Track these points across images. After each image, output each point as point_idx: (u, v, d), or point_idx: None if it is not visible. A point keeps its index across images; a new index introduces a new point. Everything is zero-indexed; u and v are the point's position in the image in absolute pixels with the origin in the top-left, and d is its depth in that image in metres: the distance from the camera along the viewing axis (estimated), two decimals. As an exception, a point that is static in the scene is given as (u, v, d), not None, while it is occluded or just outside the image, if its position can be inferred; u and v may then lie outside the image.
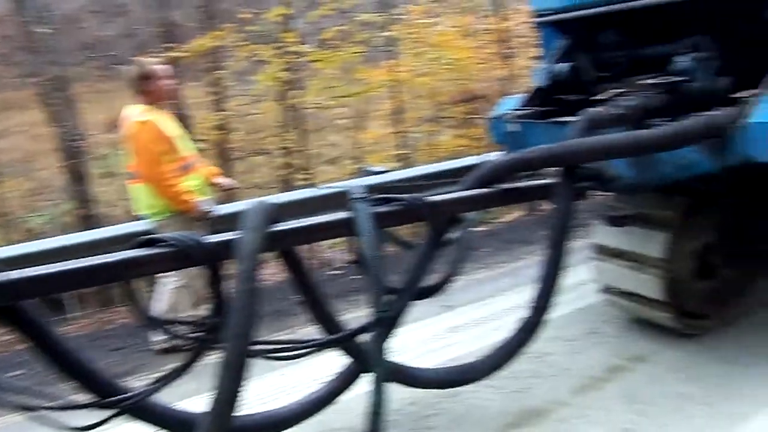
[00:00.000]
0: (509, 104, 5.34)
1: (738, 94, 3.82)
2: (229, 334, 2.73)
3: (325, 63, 15.85)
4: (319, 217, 3.42)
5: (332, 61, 15.81)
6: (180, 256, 2.77)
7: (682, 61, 4.28)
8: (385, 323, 3.25)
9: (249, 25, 16.14)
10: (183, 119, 15.40)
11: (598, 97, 4.32)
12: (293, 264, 3.54)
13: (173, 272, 4.99)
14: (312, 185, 16.35)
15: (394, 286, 3.63)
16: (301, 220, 3.35)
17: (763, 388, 4.11)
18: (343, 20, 18.71)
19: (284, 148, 16.18)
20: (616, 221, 4.43)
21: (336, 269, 8.07)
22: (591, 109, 3.96)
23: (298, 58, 15.48)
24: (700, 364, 4.52)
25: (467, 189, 3.80)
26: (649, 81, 4.28)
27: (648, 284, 4.64)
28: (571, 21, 4.97)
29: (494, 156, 4.85)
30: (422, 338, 5.48)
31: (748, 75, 3.96)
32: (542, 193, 4.08)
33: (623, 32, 4.86)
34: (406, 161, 19.72)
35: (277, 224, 3.15)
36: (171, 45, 13.41)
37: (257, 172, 22.66)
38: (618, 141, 3.58)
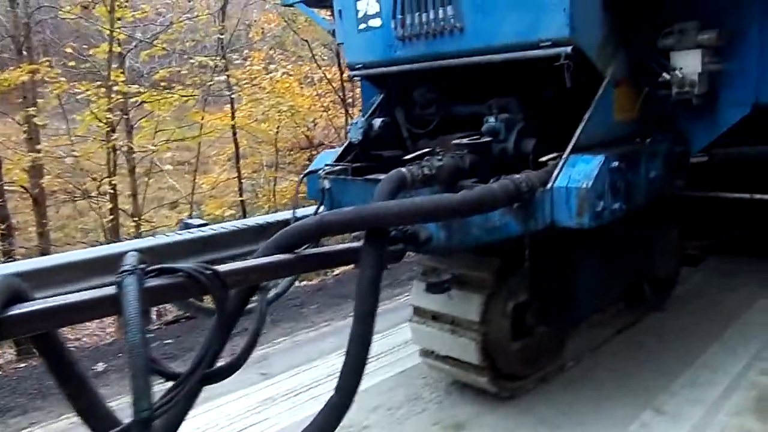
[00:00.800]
0: (325, 158, 5.01)
1: (544, 158, 3.73)
2: None
3: (156, 104, 14.84)
4: (78, 294, 2.80)
5: (165, 102, 14.83)
6: None
7: (491, 122, 4.18)
8: (148, 424, 2.67)
9: (73, 60, 14.82)
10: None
11: (410, 155, 4.10)
12: (48, 349, 2.87)
13: None
14: (145, 232, 15.14)
15: (176, 371, 3.05)
16: (55, 298, 2.72)
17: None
18: (178, 62, 17.83)
19: (110, 192, 14.85)
20: (433, 288, 4.19)
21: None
22: (400, 169, 3.70)
23: (127, 97, 14.39)
24: (517, 428, 4.37)
25: (264, 255, 3.34)
26: (461, 140, 4.13)
27: (465, 348, 4.43)
28: (385, 76, 4.77)
29: (303, 213, 4.48)
30: (233, 413, 4.90)
31: (555, 138, 3.93)
32: (349, 257, 3.73)
33: (437, 89, 4.73)
34: (248, 206, 18.99)
35: (19, 305, 2.49)
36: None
37: (84, 217, 20.69)
38: (424, 205, 3.33)
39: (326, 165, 4.77)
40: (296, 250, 3.42)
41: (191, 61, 15.44)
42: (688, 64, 3.97)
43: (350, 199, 4.51)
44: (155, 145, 15.46)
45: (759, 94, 4.03)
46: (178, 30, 15.55)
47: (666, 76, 4.03)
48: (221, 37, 16.55)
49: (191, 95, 14.65)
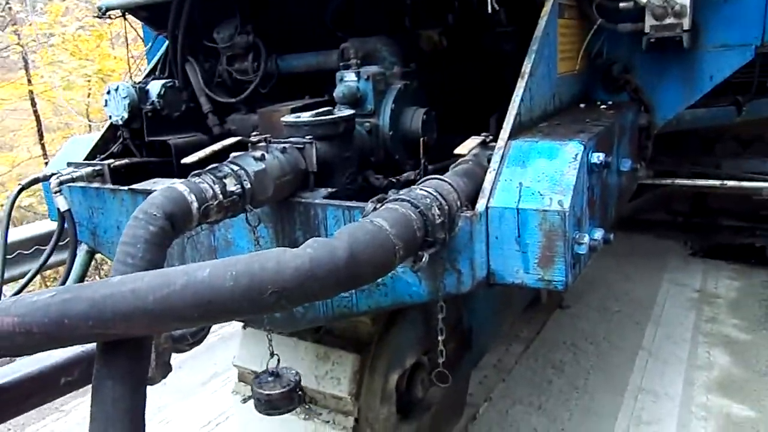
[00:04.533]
0: (75, 150, 2.76)
1: (460, 148, 1.83)
2: None
3: None
4: None
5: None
6: None
7: (349, 80, 2.21)
8: None
9: None
10: None
11: (208, 150, 2.00)
12: None
13: None
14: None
15: None
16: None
17: None
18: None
19: None
20: (265, 405, 2.16)
21: None
22: (172, 187, 1.63)
23: None
24: None
25: None
26: (297, 116, 2.11)
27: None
28: (161, 5, 2.59)
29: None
30: None
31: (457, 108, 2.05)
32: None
33: (253, 27, 2.65)
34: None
35: None
36: None
37: None
38: (181, 296, 1.31)
39: (66, 167, 2.53)
40: None
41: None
42: (675, -24, 2.22)
43: (113, 222, 2.37)
44: None
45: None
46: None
47: None
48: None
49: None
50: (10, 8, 12.66)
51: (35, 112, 14.15)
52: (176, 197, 1.59)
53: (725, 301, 4.66)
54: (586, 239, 1.67)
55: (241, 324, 2.65)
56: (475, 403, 3.50)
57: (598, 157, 1.76)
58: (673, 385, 3.60)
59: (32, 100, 13.69)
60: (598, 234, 1.78)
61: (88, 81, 14.06)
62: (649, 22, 2.31)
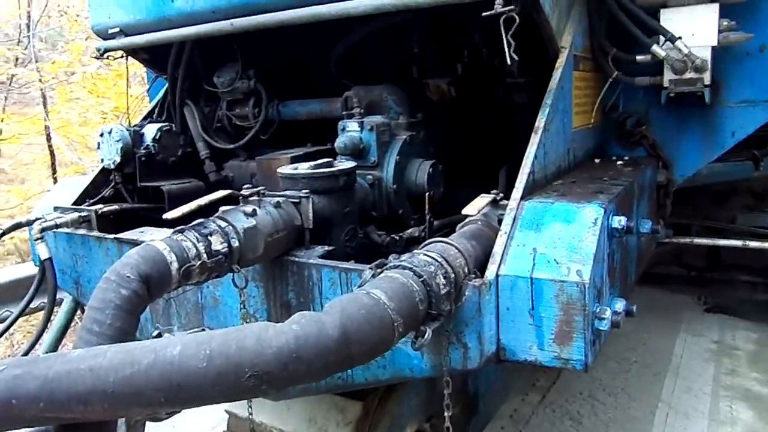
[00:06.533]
0: (65, 193, 2.61)
1: (468, 208, 1.65)
2: None
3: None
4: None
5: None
6: None
7: (351, 129, 2.06)
8: None
9: None
10: None
11: (198, 202, 1.83)
12: None
13: None
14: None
15: None
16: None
17: None
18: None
19: None
20: None
21: None
22: (150, 245, 1.46)
23: None
24: None
25: None
26: (296, 167, 1.95)
27: None
28: (161, 48, 2.46)
29: None
30: None
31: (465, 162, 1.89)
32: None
33: (254, 71, 2.51)
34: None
35: None
36: None
37: None
38: (147, 376, 1.12)
39: (53, 211, 2.37)
40: None
41: (-22, 49, 11.87)
42: (697, 28, 2.07)
43: (98, 272, 2.20)
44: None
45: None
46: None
47: (657, 51, 2.11)
48: (27, 22, 13.09)
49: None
50: (33, 46, 12.82)
51: (50, 146, 14.19)
52: (154, 257, 1.42)
53: (744, 353, 4.39)
54: (608, 313, 1.48)
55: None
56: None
57: (619, 221, 1.58)
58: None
59: (48, 135, 13.75)
60: (620, 305, 1.58)
61: (104, 118, 14.14)
62: (668, 76, 2.16)
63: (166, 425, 3.33)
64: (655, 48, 2.11)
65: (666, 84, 2.17)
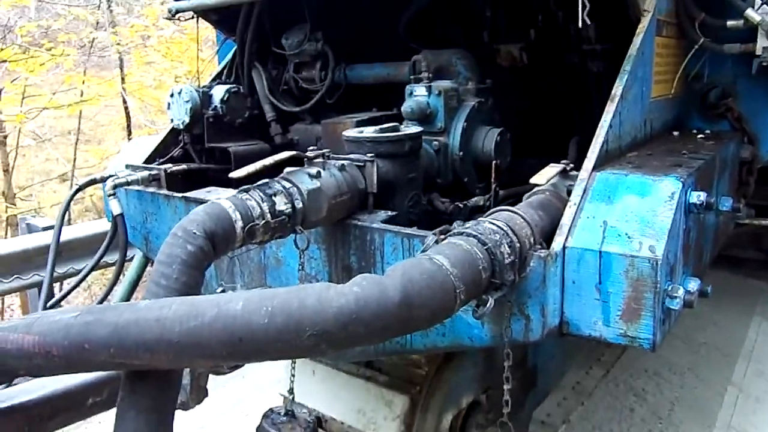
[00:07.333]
0: (136, 153, 2.69)
1: (536, 177, 1.59)
2: None
3: (23, 65, 11.73)
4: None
5: (33, 63, 11.71)
6: None
7: (419, 94, 2.02)
8: None
9: None
10: None
11: (261, 163, 1.83)
12: None
13: None
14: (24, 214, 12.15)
15: None
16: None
17: None
18: (46, 15, 14.58)
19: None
20: None
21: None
22: (215, 202, 1.48)
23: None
24: None
25: None
26: (360, 130, 1.93)
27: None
28: (231, 8, 2.47)
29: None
30: None
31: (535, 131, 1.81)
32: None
33: (322, 33, 2.50)
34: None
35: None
36: None
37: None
38: (190, 329, 1.15)
39: (125, 169, 2.45)
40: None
41: (62, 13, 12.31)
42: (798, -9, 1.91)
43: (166, 229, 2.27)
44: (24, 113, 12.31)
45: None
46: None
47: (752, 15, 1.95)
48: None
49: (62, 55, 11.55)
50: (111, 11, 13.23)
51: (126, 108, 14.71)
52: (219, 214, 1.44)
53: (821, 341, 4.14)
54: (681, 292, 1.40)
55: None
56: (553, 424, 3.20)
57: (698, 197, 1.49)
58: (766, 425, 3.18)
59: (124, 98, 14.25)
60: (694, 285, 1.50)
61: (177, 81, 14.50)
62: (763, 43, 2.00)
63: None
64: (749, 12, 1.96)
65: (759, 51, 2.01)
